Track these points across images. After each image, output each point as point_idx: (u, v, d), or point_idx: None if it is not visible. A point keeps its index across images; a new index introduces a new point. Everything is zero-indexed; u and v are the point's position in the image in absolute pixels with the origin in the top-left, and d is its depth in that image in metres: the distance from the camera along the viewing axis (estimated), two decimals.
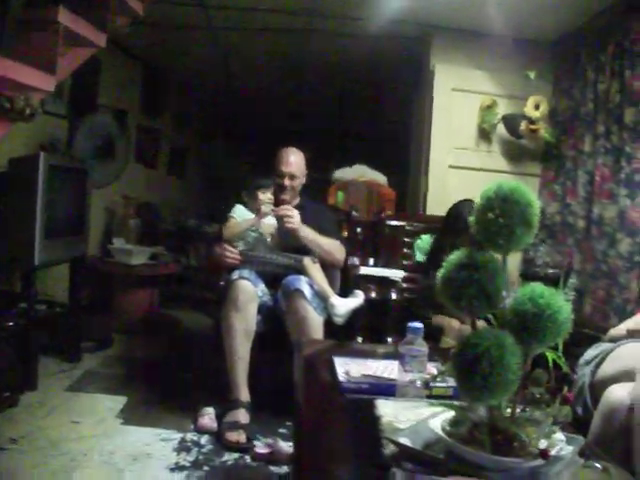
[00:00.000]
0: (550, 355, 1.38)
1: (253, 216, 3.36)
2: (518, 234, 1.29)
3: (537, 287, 1.30)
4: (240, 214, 3.39)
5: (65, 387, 3.52)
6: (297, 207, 3.57)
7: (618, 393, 2.11)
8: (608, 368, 2.36)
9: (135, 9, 2.92)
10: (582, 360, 2.52)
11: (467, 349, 1.24)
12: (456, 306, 1.32)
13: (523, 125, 4.37)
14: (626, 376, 2.19)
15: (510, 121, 4.47)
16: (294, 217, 3.26)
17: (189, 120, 7.99)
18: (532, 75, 4.27)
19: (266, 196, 3.41)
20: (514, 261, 4.39)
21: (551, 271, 4.10)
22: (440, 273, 1.35)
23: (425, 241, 3.80)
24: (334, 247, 3.44)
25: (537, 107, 4.31)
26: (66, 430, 2.92)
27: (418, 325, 1.72)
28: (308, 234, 3.31)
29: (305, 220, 3.47)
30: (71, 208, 3.99)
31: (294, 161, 3.56)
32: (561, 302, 1.29)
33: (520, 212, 1.29)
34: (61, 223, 3.75)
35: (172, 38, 5.39)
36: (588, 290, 3.92)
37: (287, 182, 3.52)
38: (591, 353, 2.51)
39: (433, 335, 3.03)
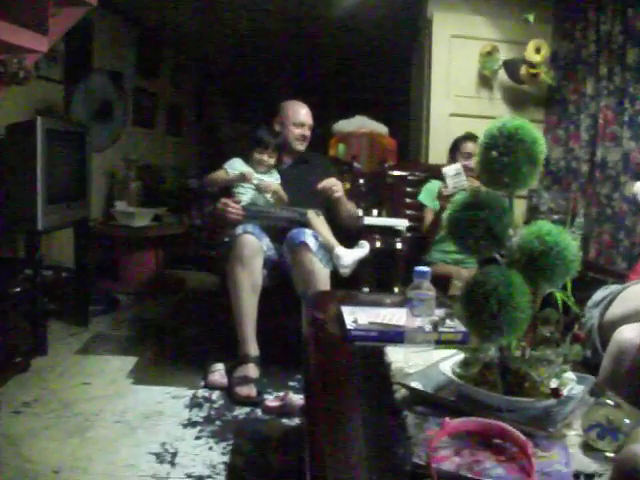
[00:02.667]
0: (559, 295, 1.37)
1: (246, 169, 3.36)
2: (524, 172, 1.28)
3: (544, 225, 1.29)
4: (236, 166, 3.38)
5: (75, 350, 3.54)
6: (301, 159, 3.58)
7: (627, 333, 2.10)
8: (617, 309, 2.35)
9: None
10: (591, 302, 2.51)
11: (475, 288, 1.23)
12: (463, 246, 1.31)
13: (523, 70, 4.30)
14: (635, 317, 2.19)
15: (511, 66, 4.40)
16: (340, 188, 3.33)
17: (186, 79, 7.92)
18: (531, 18, 4.19)
19: (261, 157, 3.38)
20: (518, 208, 4.36)
21: (556, 217, 4.08)
22: (446, 214, 1.34)
23: (435, 185, 3.79)
24: (354, 208, 3.53)
25: (538, 51, 4.23)
26: (78, 392, 2.94)
27: (425, 269, 1.70)
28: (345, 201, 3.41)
29: (311, 174, 3.48)
30: (72, 172, 3.97)
31: (308, 112, 3.62)
32: (569, 239, 1.27)
33: (525, 150, 1.27)
34: (63, 187, 3.74)
35: None
36: (593, 234, 3.92)
37: (307, 132, 3.57)
38: (600, 295, 2.50)
39: (441, 284, 3.03)
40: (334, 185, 3.30)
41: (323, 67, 8.24)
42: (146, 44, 6.45)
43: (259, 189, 3.31)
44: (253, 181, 3.30)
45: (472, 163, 3.57)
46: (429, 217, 3.71)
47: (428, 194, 3.78)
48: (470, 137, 3.66)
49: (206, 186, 3.42)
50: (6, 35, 2.39)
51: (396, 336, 1.75)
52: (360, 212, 3.62)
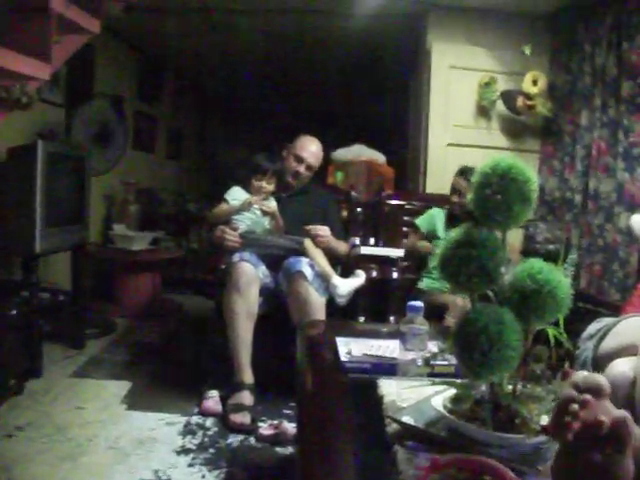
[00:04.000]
0: (551, 331, 1.38)
1: (246, 197, 3.36)
2: (516, 211, 1.29)
3: (536, 263, 1.30)
4: (236, 196, 3.39)
5: (70, 373, 3.53)
6: (301, 191, 3.58)
7: (621, 367, 2.09)
8: (611, 342, 2.34)
9: None
10: (585, 334, 2.50)
11: (466, 325, 1.25)
12: (455, 283, 1.32)
13: (520, 101, 4.34)
14: (629, 350, 2.19)
15: (508, 97, 4.45)
16: (325, 236, 3.33)
17: (186, 104, 7.97)
18: (527, 50, 4.24)
19: (260, 184, 3.38)
20: (515, 238, 4.39)
21: (552, 247, 4.10)
22: (438, 251, 1.35)
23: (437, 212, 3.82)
24: (342, 248, 3.51)
25: (535, 82, 4.28)
26: (71, 416, 2.93)
27: (418, 304, 1.72)
28: (332, 246, 3.39)
29: (310, 206, 3.50)
30: (71, 196, 3.99)
31: (316, 152, 3.57)
32: (560, 278, 1.29)
33: (518, 188, 1.28)
34: (61, 211, 3.75)
35: (167, 22, 5.34)
36: (584, 265, 3.94)
37: (302, 170, 3.53)
38: (594, 327, 2.50)
39: (437, 314, 3.04)
40: (319, 236, 3.31)
41: (322, 95, 8.29)
42: (147, 69, 6.50)
43: (264, 211, 3.31)
44: (255, 206, 3.32)
45: (456, 199, 3.60)
46: (412, 238, 3.74)
47: (426, 219, 3.80)
48: (462, 172, 3.64)
49: (212, 222, 3.40)
50: (9, 63, 2.41)
51: (389, 369, 1.76)
52: (357, 240, 3.63)
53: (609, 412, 0.98)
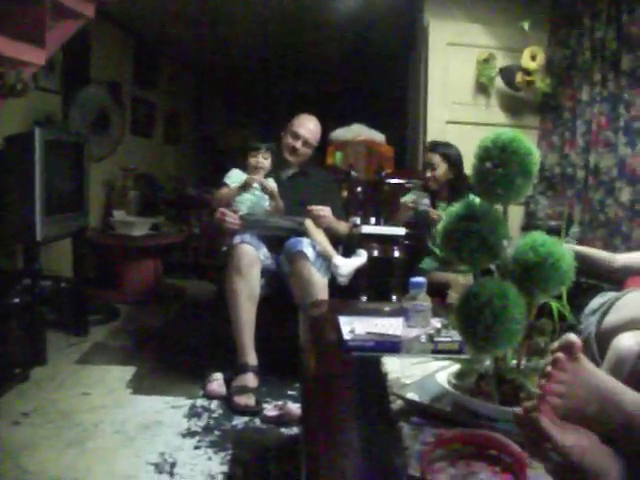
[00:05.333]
0: (555, 305, 1.37)
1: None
2: (517, 184, 1.28)
3: (538, 236, 1.30)
4: (235, 178, 3.39)
5: (74, 360, 3.54)
6: (300, 173, 3.58)
7: (626, 341, 2.09)
8: (614, 317, 2.33)
9: None
10: (588, 309, 2.50)
11: (469, 300, 1.24)
12: (457, 258, 1.31)
13: (518, 77, 4.32)
14: (633, 324, 2.18)
15: (507, 73, 4.42)
16: (326, 217, 3.31)
17: (183, 88, 7.94)
18: (526, 25, 4.20)
19: (256, 160, 3.39)
20: (515, 215, 4.37)
21: (553, 223, 4.09)
22: (440, 226, 1.35)
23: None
24: (342, 228, 3.50)
25: (533, 58, 4.25)
26: (77, 402, 2.94)
27: (420, 280, 1.71)
28: (333, 226, 3.38)
29: (310, 187, 3.49)
30: (70, 183, 3.98)
31: (313, 129, 3.58)
32: (563, 250, 1.28)
33: (519, 161, 1.27)
34: (61, 198, 3.74)
35: (161, 6, 5.31)
36: (587, 240, 3.92)
37: (299, 145, 3.53)
38: (597, 302, 2.49)
39: (439, 291, 3.04)
40: (319, 216, 3.29)
41: (320, 75, 8.24)
42: (143, 54, 6.47)
43: (264, 188, 3.31)
44: (255, 184, 3.30)
45: (429, 173, 3.60)
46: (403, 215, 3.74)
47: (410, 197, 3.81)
48: (431, 147, 3.68)
49: (215, 206, 3.38)
50: (3, 48, 2.40)
51: (392, 346, 1.76)
52: (358, 220, 3.63)
53: (580, 369, 1.04)
